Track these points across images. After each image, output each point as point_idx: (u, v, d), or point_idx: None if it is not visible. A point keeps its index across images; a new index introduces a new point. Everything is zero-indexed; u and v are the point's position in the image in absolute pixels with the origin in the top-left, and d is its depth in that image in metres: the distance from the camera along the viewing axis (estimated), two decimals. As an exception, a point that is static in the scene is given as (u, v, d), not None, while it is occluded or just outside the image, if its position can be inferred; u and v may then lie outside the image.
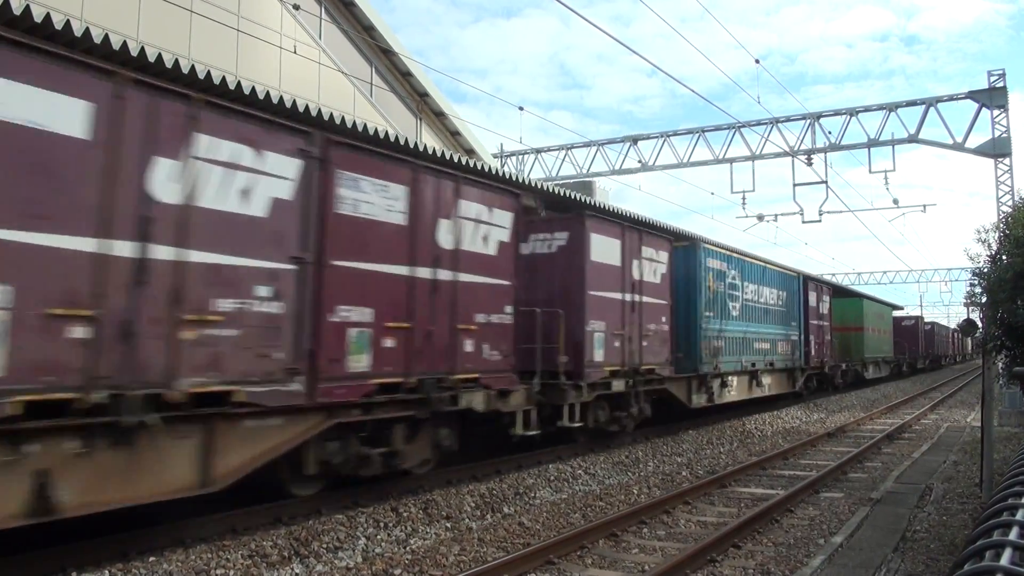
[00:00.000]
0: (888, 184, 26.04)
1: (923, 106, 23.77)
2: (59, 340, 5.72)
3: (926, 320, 61.07)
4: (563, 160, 28.92)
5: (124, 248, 6.16)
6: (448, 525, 8.23)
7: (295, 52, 16.89)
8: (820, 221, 27.98)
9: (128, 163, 6.23)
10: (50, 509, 5.65)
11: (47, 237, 5.69)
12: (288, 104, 9.68)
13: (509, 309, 10.55)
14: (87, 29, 8.11)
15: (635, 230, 14.33)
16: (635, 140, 27.82)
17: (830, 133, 25.39)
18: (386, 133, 11.05)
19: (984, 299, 10.96)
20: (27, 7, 7.84)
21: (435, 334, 9.24)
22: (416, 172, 9.17)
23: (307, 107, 9.96)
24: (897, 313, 54.87)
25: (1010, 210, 15.57)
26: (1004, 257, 10.58)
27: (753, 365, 20.00)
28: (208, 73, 8.88)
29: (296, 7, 17.48)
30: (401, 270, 8.84)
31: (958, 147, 23.17)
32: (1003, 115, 22.65)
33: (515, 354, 10.64)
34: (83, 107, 5.96)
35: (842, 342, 31.46)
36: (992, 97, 22.74)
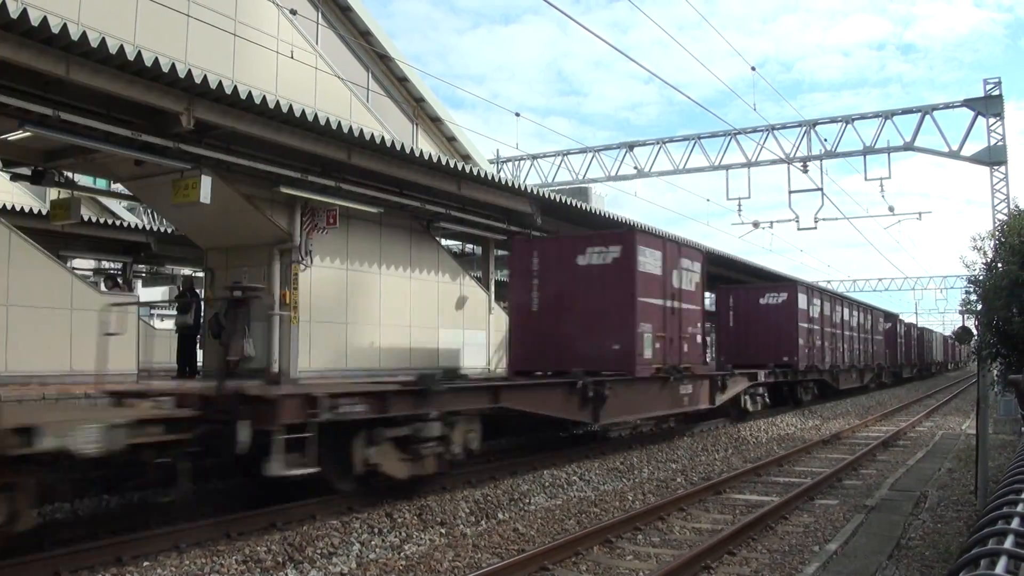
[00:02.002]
0: (884, 191, 26.15)
1: (919, 114, 23.86)
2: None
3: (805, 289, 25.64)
4: (559, 166, 28.99)
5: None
6: (443, 531, 8.21)
7: (292, 57, 16.89)
8: (815, 228, 28.08)
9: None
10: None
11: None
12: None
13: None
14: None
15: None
16: (631, 146, 27.88)
17: (826, 140, 25.50)
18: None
19: (979, 306, 11.00)
20: (24, 11, 7.85)
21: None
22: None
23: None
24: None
25: (1005, 218, 15.62)
26: (999, 265, 10.64)
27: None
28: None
29: (293, 12, 17.48)
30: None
31: (954, 155, 23.26)
32: (999, 123, 22.73)
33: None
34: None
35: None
36: (988, 105, 22.84)
